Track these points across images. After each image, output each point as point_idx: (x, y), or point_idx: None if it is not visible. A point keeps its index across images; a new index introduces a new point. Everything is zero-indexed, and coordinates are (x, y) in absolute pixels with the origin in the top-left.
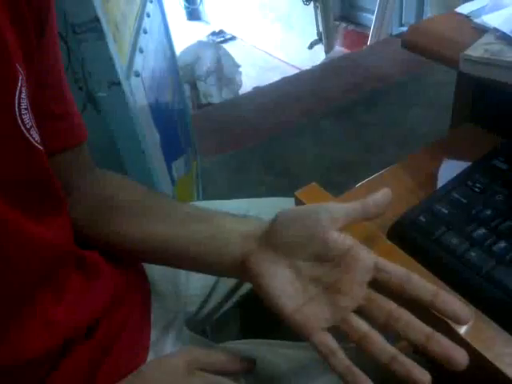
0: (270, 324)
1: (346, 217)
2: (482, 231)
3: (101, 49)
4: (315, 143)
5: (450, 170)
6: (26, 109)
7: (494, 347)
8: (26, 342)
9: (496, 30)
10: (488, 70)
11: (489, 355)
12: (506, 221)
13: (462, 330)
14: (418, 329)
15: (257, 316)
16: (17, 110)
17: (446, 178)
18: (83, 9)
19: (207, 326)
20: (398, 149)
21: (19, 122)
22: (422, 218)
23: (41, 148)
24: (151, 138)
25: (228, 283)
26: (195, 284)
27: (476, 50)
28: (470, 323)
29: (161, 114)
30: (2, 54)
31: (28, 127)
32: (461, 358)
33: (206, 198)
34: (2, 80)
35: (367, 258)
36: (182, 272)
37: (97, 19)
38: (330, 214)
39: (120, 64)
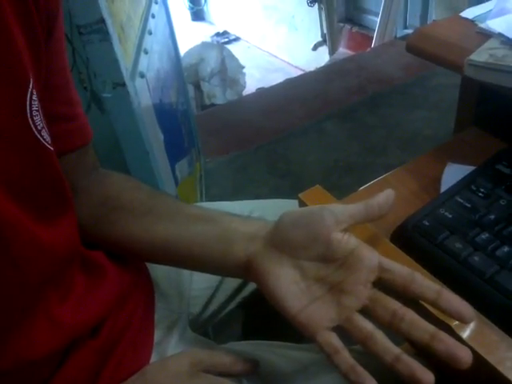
0: (271, 325)
1: (349, 218)
2: (485, 236)
3: (106, 50)
4: (318, 145)
5: (453, 174)
6: (37, 110)
7: (496, 352)
8: (32, 344)
9: (501, 35)
10: (492, 75)
11: (492, 359)
12: (510, 225)
13: (465, 334)
14: (423, 327)
15: (259, 317)
16: (28, 111)
17: (450, 182)
18: (89, 10)
19: (209, 327)
20: (401, 151)
21: (31, 123)
22: (425, 222)
23: (51, 149)
24: (155, 138)
25: (231, 284)
26: (199, 285)
27: (480, 55)
28: (473, 328)
29: (165, 115)
30: (12, 56)
31: (39, 128)
32: (465, 356)
33: (209, 199)
34: (14, 82)
35: (371, 258)
36: (186, 273)
37: (102, 20)
38: (334, 215)
39: (125, 65)
